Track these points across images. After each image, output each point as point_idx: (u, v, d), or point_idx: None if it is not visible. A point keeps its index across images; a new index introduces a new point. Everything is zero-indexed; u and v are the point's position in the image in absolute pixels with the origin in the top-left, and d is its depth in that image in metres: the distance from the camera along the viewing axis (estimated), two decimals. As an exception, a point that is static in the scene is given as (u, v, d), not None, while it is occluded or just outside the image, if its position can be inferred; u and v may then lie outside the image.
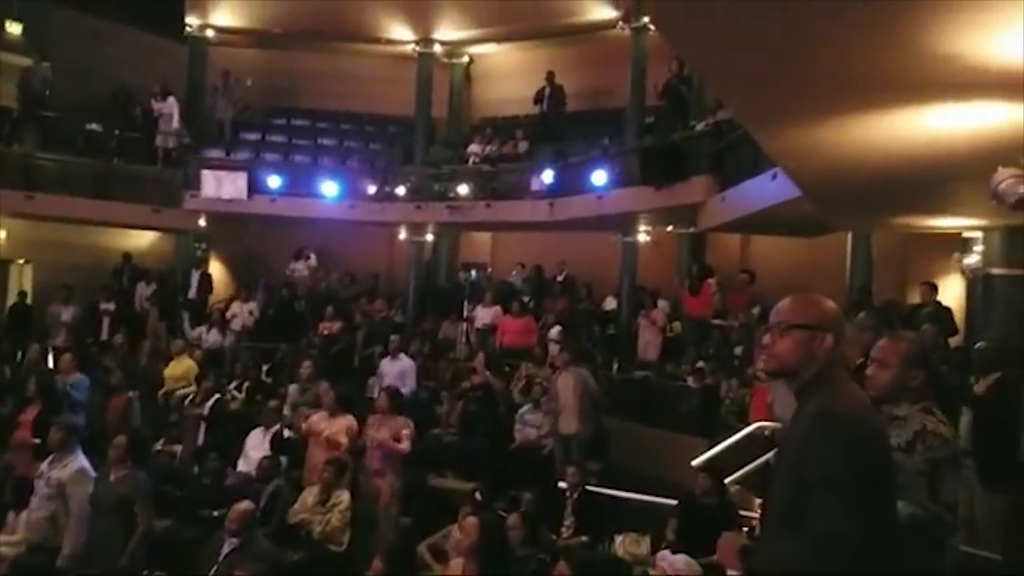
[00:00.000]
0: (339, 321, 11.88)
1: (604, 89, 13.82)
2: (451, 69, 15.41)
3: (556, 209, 12.01)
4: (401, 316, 13.32)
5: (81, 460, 5.54)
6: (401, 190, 13.58)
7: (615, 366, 10.50)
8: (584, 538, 6.03)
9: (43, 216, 12.75)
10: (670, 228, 11.75)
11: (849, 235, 8.96)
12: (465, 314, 12.65)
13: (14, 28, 13.63)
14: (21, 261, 13.86)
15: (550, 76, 13.29)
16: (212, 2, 14.53)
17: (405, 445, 6.71)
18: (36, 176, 12.40)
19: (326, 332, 11.67)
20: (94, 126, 13.37)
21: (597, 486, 6.82)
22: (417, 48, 14.80)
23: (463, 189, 13.07)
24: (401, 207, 13.67)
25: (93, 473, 5.56)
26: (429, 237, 14.60)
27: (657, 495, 6.59)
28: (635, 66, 12.42)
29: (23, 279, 13.84)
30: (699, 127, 10.16)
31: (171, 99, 13.52)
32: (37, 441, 6.96)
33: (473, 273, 15.09)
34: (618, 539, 5.85)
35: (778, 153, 5.15)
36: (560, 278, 12.72)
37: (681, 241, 11.84)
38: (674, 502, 6.02)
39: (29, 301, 12.79)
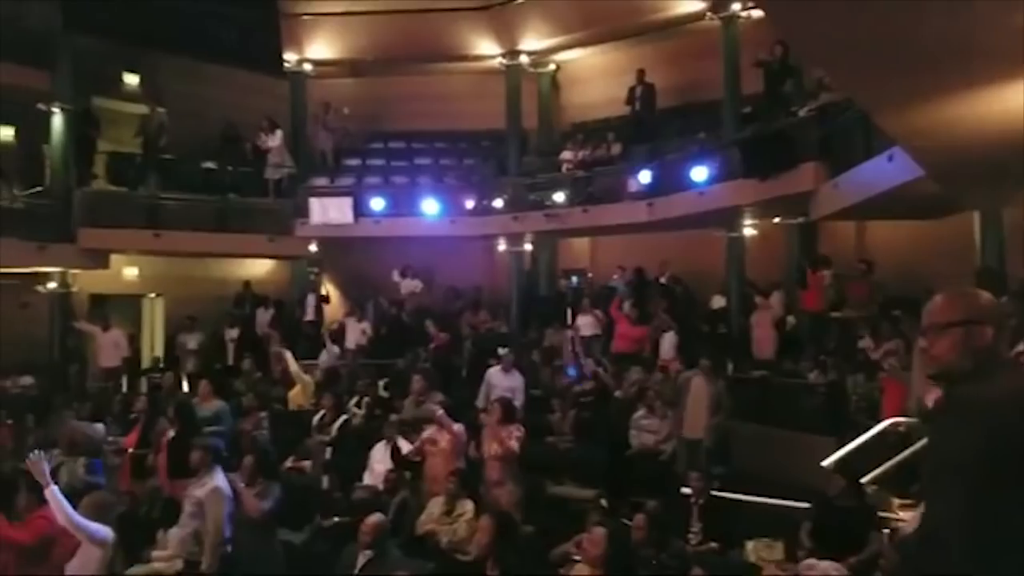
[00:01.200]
0: (444, 334, 12.13)
1: (695, 83, 13.56)
2: (538, 78, 15.51)
3: (655, 209, 11.85)
4: (505, 326, 13.46)
5: (218, 479, 5.83)
6: (498, 202, 13.73)
7: (729, 366, 10.20)
8: (714, 544, 5.89)
9: (170, 252, 13.63)
10: (777, 220, 11.38)
11: (977, 214, 8.39)
12: (569, 321, 12.62)
13: (131, 79, 14.61)
14: (152, 295, 14.84)
15: (640, 74, 13.15)
16: (307, 37, 15.16)
17: (513, 444, 6.78)
18: (161, 215, 13.27)
19: (435, 344, 11.95)
20: (209, 164, 14.17)
21: (720, 490, 6.65)
22: (503, 61, 14.96)
23: (559, 196, 13.08)
24: (499, 219, 13.82)
25: (230, 491, 5.86)
26: (528, 246, 14.69)
27: (783, 498, 6.38)
28: (727, 56, 12.14)
29: (155, 312, 14.82)
30: (802, 112, 9.80)
31: (278, 132, 14.22)
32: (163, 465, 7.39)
33: (574, 280, 15.06)
34: (749, 545, 5.67)
35: (902, 133, 4.89)
36: (663, 279, 12.52)
37: (790, 233, 11.44)
38: (805, 505, 5.80)
39: (161, 332, 13.69)
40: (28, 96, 12.46)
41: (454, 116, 15.90)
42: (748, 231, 11.75)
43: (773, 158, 9.58)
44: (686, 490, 6.31)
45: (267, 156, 14.21)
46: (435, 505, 6.33)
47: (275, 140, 14.18)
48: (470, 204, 13.86)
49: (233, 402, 9.48)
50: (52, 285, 12.83)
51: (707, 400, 8.08)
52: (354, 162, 15.82)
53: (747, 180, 10.10)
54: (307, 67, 15.43)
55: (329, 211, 14.04)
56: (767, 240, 11.91)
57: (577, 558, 4.88)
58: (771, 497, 6.50)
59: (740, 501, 6.48)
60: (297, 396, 10.08)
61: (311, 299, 13.92)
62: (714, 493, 6.28)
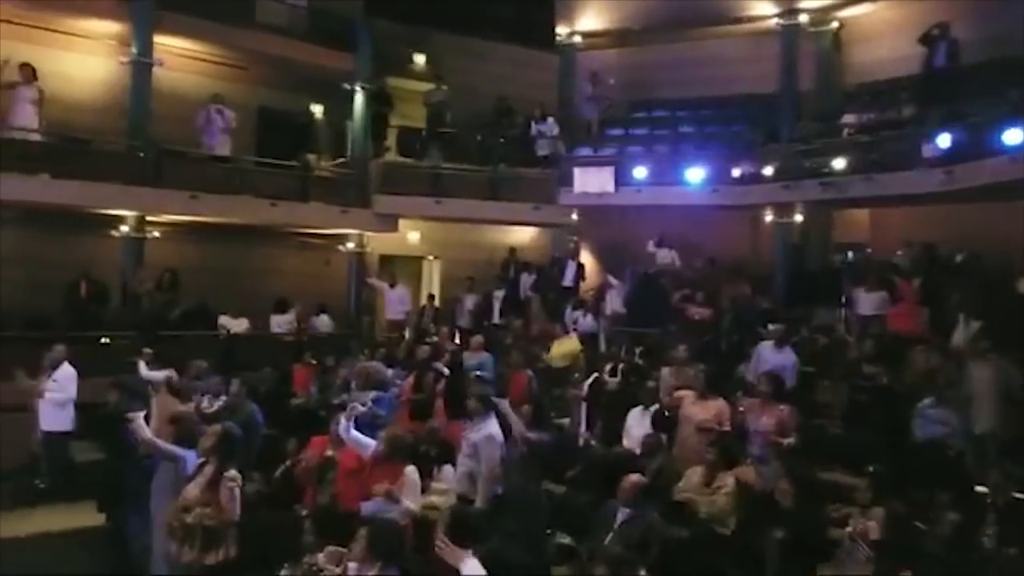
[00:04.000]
0: (709, 308, 11.87)
1: (1003, 34, 11.74)
2: (818, 37, 14.42)
3: (955, 177, 10.50)
4: (768, 301, 12.84)
5: (492, 426, 6.30)
6: (767, 170, 13.05)
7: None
8: (1012, 550, 5.21)
9: (447, 218, 14.81)
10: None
11: None
12: (844, 299, 11.72)
13: (419, 59, 15.96)
14: (431, 258, 16.28)
15: (943, 28, 11.66)
16: (579, 10, 15.46)
17: (791, 439, 6.51)
18: (441, 184, 14.42)
19: (696, 317, 11.74)
20: (483, 136, 15.08)
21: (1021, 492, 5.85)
22: (780, 21, 14.14)
23: (838, 163, 12.10)
24: (767, 188, 13.15)
25: (501, 437, 6.30)
26: (798, 217, 13.82)
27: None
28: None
29: (433, 273, 16.25)
30: None
31: (551, 120, 14.79)
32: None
33: (849, 254, 13.94)
34: (1060, 556, 4.94)
35: None
36: (959, 257, 11.12)
37: None
38: None
39: (438, 291, 14.99)
40: (335, 76, 14.16)
41: (721, 81, 15.34)
42: (1073, 203, 10.03)
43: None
44: (981, 488, 5.64)
45: (538, 137, 14.80)
46: (694, 474, 6.29)
47: (547, 127, 14.76)
48: (736, 172, 13.33)
49: (501, 358, 10.16)
50: (350, 245, 14.55)
51: (997, 391, 7.11)
52: (617, 132, 15.92)
53: (1077, 142, 8.60)
54: (576, 39, 15.74)
55: (591, 181, 14.33)
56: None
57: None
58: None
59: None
60: (555, 356, 10.53)
61: (570, 266, 14.37)
62: (1017, 495, 5.54)
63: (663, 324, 11.88)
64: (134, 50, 12.10)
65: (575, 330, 11.97)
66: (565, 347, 10.34)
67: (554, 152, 14.81)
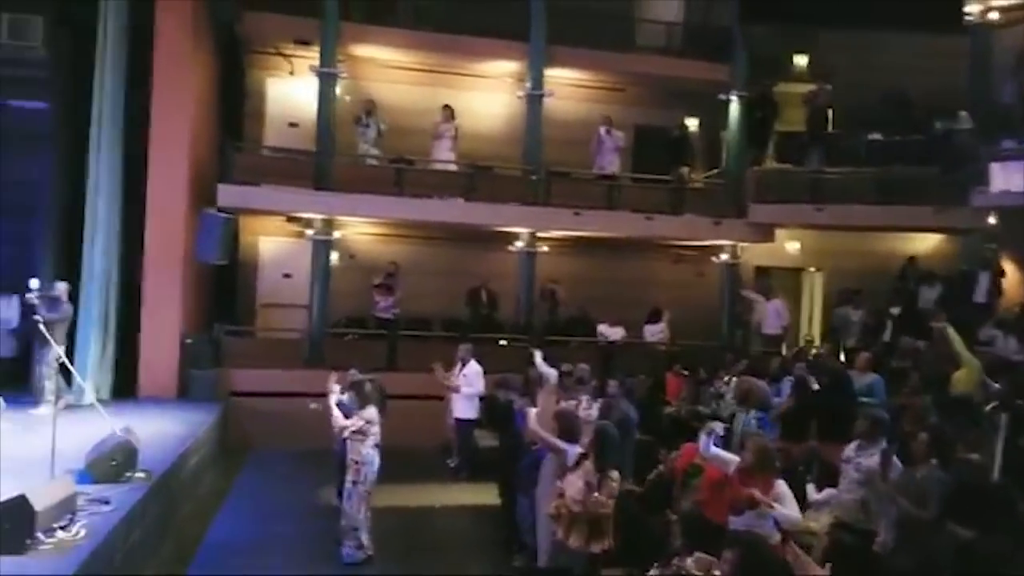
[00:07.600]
0: None
1: None
2: None
3: None
4: None
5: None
6: None
7: None
8: None
9: (829, 226, 13.80)
10: None
11: None
12: None
13: (799, 61, 15.16)
14: (812, 269, 15.31)
15: None
16: (994, -17, 13.26)
17: None
18: (823, 190, 13.49)
19: None
20: (874, 135, 13.75)
21: None
22: None
23: None
24: None
25: (900, 465, 5.67)
26: None
27: None
28: None
29: (814, 286, 15.26)
30: None
31: (963, 114, 13.04)
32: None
33: None
34: None
35: None
36: None
37: None
38: None
39: (819, 306, 14.01)
40: (710, 88, 14.15)
41: None
42: None
43: None
44: None
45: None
46: None
47: (959, 121, 13.04)
48: None
49: (886, 377, 9.17)
50: (724, 256, 14.35)
51: None
52: (1053, 120, 13.27)
53: None
54: (993, 16, 13.54)
55: (1014, 178, 12.21)
56: None
57: None
58: None
59: None
60: (962, 380, 9.13)
61: (983, 278, 12.36)
62: None
63: None
64: (528, 84, 13.46)
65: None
66: (963, 372, 8.94)
67: (966, 147, 12.89)
